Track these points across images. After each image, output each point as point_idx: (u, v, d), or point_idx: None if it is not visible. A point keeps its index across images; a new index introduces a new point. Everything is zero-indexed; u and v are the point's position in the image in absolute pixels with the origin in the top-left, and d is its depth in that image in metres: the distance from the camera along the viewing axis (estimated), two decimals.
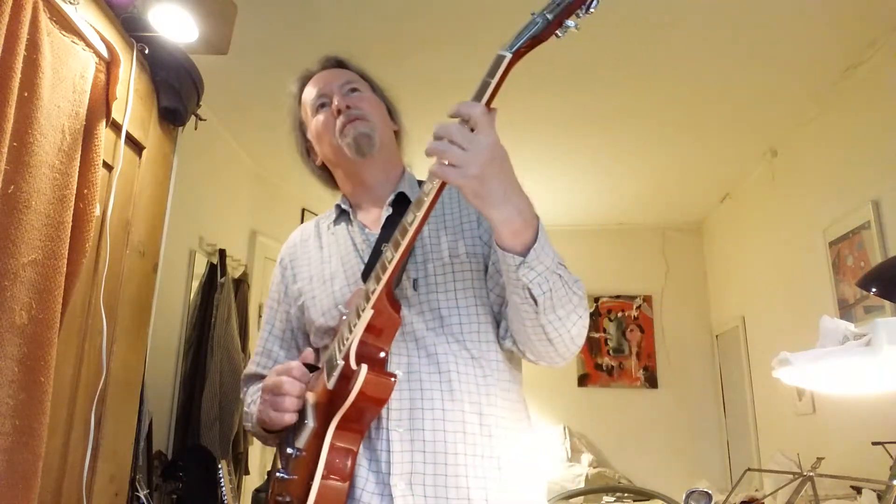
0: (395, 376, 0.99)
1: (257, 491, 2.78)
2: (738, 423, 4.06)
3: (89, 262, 1.39)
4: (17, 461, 1.09)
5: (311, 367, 1.12)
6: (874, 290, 1.57)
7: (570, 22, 0.88)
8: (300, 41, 2.68)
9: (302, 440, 1.05)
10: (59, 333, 1.21)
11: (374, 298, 0.99)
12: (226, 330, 3.04)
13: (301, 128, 1.35)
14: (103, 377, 1.43)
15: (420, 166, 1.31)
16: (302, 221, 4.35)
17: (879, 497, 1.88)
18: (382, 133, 1.24)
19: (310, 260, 1.28)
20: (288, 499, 1.05)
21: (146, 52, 1.61)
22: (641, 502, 3.76)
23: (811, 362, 1.32)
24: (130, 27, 1.58)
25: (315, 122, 1.27)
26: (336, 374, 1.01)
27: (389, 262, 0.97)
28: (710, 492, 2.16)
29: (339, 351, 1.03)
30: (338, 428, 0.99)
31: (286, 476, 1.07)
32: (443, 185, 0.93)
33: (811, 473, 2.01)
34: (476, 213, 1.17)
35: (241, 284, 3.36)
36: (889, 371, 1.27)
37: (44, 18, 1.21)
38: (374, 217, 1.24)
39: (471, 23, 2.54)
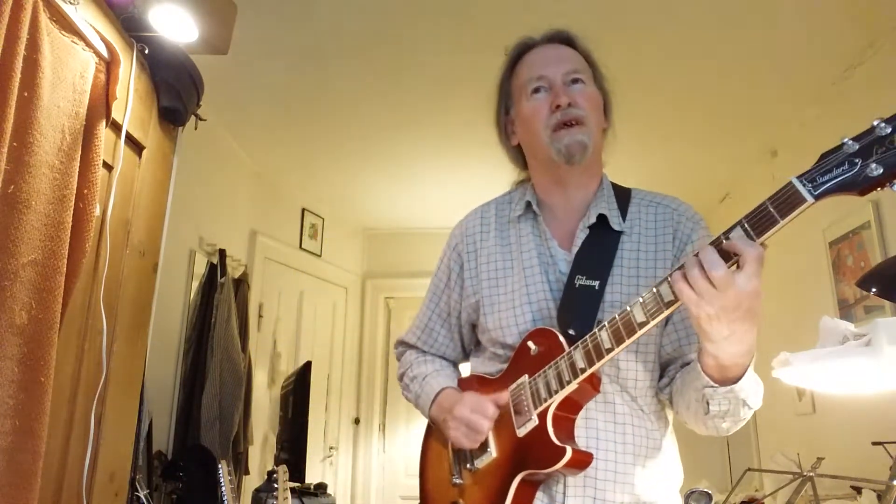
0: (592, 456, 1.04)
1: (257, 491, 2.78)
2: None
3: (89, 262, 1.39)
4: (17, 461, 1.09)
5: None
6: (874, 290, 1.57)
7: None
8: (300, 41, 2.68)
9: (481, 462, 1.12)
10: (59, 333, 1.21)
11: (582, 377, 1.00)
12: (226, 330, 3.04)
13: (505, 99, 1.25)
14: (103, 377, 1.43)
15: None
16: (302, 222, 4.35)
17: (879, 497, 1.88)
18: (596, 138, 1.16)
19: (489, 258, 1.22)
20: None
21: (146, 52, 1.61)
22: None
23: (811, 362, 1.33)
24: (130, 27, 1.58)
25: (527, 107, 1.17)
26: (528, 427, 1.05)
27: (606, 353, 0.96)
28: (710, 492, 2.15)
29: (534, 403, 1.06)
30: (522, 481, 1.06)
31: (461, 482, 1.15)
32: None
33: (811, 473, 2.01)
34: (672, 257, 1.14)
35: (241, 284, 3.36)
36: (889, 371, 1.27)
37: (44, 18, 1.20)
38: (565, 229, 1.18)
39: (473, 21, 2.54)
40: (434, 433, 1.26)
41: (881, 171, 0.70)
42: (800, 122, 3.20)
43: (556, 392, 1.02)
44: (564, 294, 1.11)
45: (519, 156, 1.27)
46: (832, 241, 2.89)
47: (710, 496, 2.14)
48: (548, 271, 1.15)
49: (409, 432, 4.67)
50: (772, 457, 3.05)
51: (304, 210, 4.37)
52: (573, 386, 1.01)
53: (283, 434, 3.56)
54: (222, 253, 3.25)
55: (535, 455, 1.04)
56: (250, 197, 3.86)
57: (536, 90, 1.16)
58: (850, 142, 0.73)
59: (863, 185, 0.72)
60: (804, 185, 0.76)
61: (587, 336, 1.00)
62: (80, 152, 1.31)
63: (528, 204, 1.22)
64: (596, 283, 1.09)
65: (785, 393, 3.22)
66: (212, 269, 3.18)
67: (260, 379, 3.73)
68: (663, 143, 3.54)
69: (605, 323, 0.97)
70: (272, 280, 4.01)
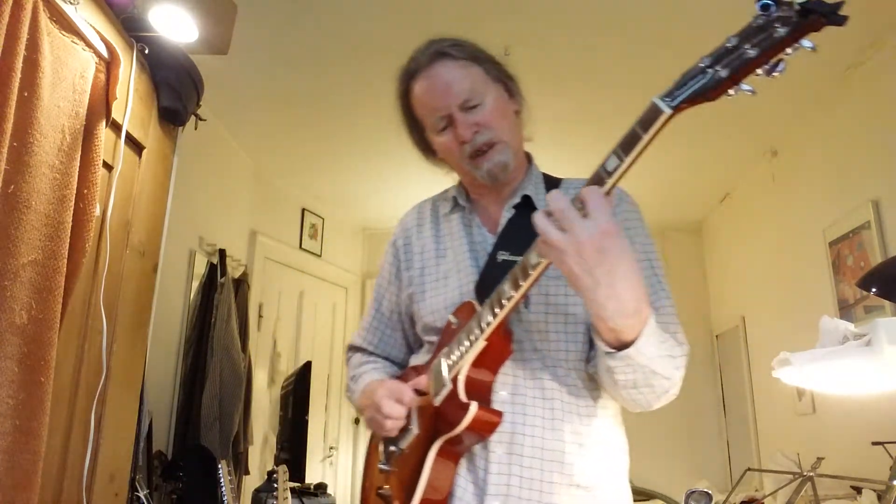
0: (501, 415, 1.02)
1: (257, 491, 2.78)
2: (738, 423, 4.06)
3: (89, 262, 1.39)
4: (17, 461, 1.09)
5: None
6: (874, 290, 1.57)
7: (747, 86, 0.75)
8: (300, 41, 2.68)
9: (405, 442, 1.10)
10: (59, 333, 1.21)
11: (488, 331, 0.98)
12: (226, 330, 3.04)
13: (413, 123, 1.24)
14: (103, 377, 1.43)
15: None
16: (302, 221, 4.35)
17: (879, 497, 1.88)
18: (515, 147, 1.16)
19: (423, 248, 1.25)
20: (389, 492, 1.12)
21: (146, 52, 1.61)
22: (641, 502, 3.76)
23: (811, 362, 1.32)
24: (130, 27, 1.58)
25: (438, 142, 1.18)
26: (443, 393, 1.04)
27: (508, 300, 0.94)
28: (710, 492, 2.16)
29: (448, 369, 1.05)
30: (440, 450, 1.04)
31: (388, 468, 1.14)
32: None
33: (811, 473, 2.01)
34: None
35: (241, 284, 3.36)
36: (889, 371, 1.27)
37: (44, 18, 1.21)
38: (493, 216, 1.19)
39: (474, 19, 2.54)
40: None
41: (727, 72, 0.75)
42: (800, 122, 3.20)
43: (467, 351, 1.01)
44: (485, 269, 1.10)
45: (444, 163, 1.27)
46: (832, 241, 2.89)
47: (710, 496, 2.15)
48: (477, 256, 1.15)
49: None
50: (772, 457, 3.05)
51: (304, 210, 4.37)
52: (481, 343, 1.00)
53: (283, 434, 3.56)
54: (222, 253, 3.25)
55: (447, 419, 1.02)
56: (250, 197, 3.86)
57: (442, 129, 1.15)
58: (705, 58, 0.78)
59: (712, 89, 0.77)
60: (663, 101, 0.81)
61: (493, 293, 0.98)
62: (80, 152, 1.31)
63: (455, 199, 1.24)
64: (518, 258, 1.07)
65: (785, 393, 3.22)
66: (212, 269, 3.18)
67: (260, 379, 3.73)
68: (663, 143, 3.51)
69: (507, 275, 0.95)
70: (272, 280, 4.01)
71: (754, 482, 3.32)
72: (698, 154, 3.67)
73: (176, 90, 1.70)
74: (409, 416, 1.10)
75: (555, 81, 2.93)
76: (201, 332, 3.02)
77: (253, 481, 3.36)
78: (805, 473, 2.02)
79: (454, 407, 1.01)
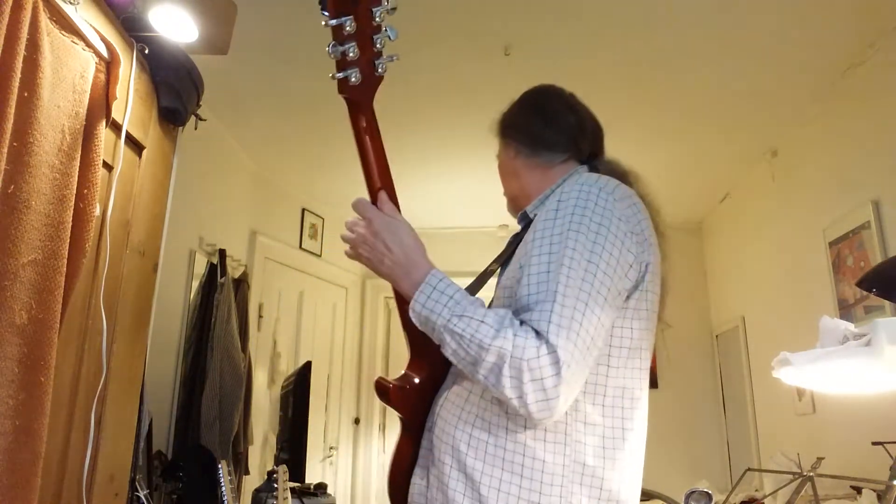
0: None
1: (257, 491, 2.78)
2: (738, 423, 4.06)
3: (89, 262, 1.39)
4: (17, 461, 1.09)
5: None
6: (874, 290, 1.57)
7: None
8: (300, 41, 2.68)
9: None
10: (59, 333, 1.21)
11: None
12: (226, 330, 3.04)
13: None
14: (103, 377, 1.43)
15: None
16: (302, 221, 4.36)
17: (879, 497, 1.88)
18: (518, 199, 1.32)
19: None
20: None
21: (146, 52, 1.61)
22: (641, 502, 3.76)
23: (811, 362, 1.32)
24: (130, 27, 1.58)
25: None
26: None
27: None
28: (710, 492, 2.16)
29: None
30: None
31: None
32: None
33: (811, 473, 2.01)
34: (530, 249, 1.10)
35: (241, 284, 3.35)
36: (889, 371, 1.27)
37: (44, 18, 1.21)
38: None
39: (473, 20, 2.54)
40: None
41: None
42: (800, 121, 3.20)
43: None
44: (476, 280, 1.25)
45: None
46: (832, 241, 2.89)
47: (710, 496, 2.15)
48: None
49: None
50: (772, 457, 3.05)
51: (304, 210, 4.38)
52: None
53: (283, 434, 3.56)
54: (222, 253, 3.25)
55: None
56: (250, 197, 3.86)
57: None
58: None
59: None
60: None
61: None
62: (80, 152, 1.31)
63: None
64: (494, 266, 1.26)
65: (785, 393, 3.22)
66: (212, 269, 3.17)
67: (260, 379, 3.73)
68: (663, 144, 3.54)
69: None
70: (272, 280, 4.01)
71: (754, 482, 3.32)
72: (698, 154, 3.67)
73: (176, 90, 1.70)
74: None
75: (556, 83, 2.93)
76: (201, 332, 3.02)
77: (253, 481, 3.36)
78: (805, 473, 2.02)
79: None
